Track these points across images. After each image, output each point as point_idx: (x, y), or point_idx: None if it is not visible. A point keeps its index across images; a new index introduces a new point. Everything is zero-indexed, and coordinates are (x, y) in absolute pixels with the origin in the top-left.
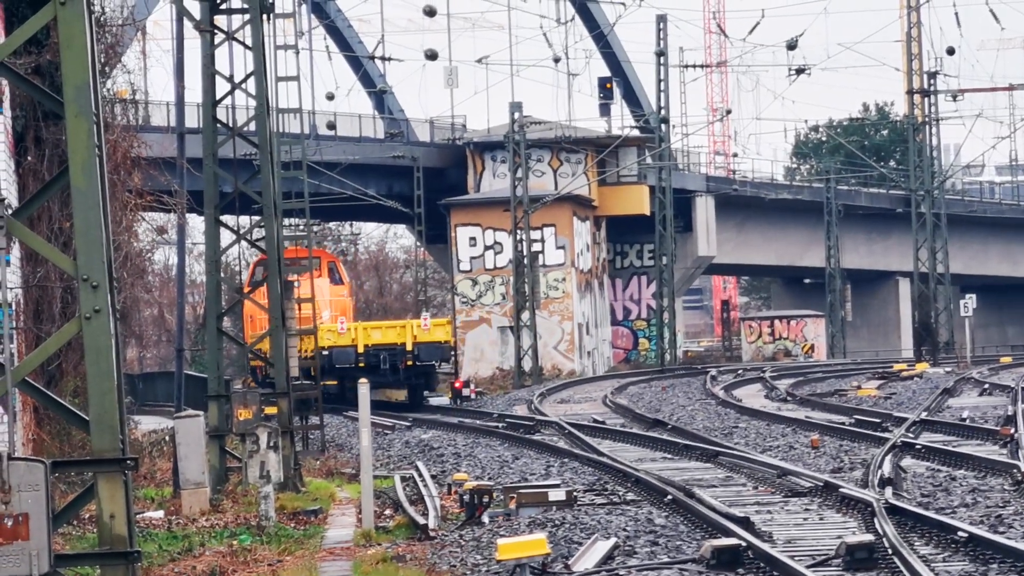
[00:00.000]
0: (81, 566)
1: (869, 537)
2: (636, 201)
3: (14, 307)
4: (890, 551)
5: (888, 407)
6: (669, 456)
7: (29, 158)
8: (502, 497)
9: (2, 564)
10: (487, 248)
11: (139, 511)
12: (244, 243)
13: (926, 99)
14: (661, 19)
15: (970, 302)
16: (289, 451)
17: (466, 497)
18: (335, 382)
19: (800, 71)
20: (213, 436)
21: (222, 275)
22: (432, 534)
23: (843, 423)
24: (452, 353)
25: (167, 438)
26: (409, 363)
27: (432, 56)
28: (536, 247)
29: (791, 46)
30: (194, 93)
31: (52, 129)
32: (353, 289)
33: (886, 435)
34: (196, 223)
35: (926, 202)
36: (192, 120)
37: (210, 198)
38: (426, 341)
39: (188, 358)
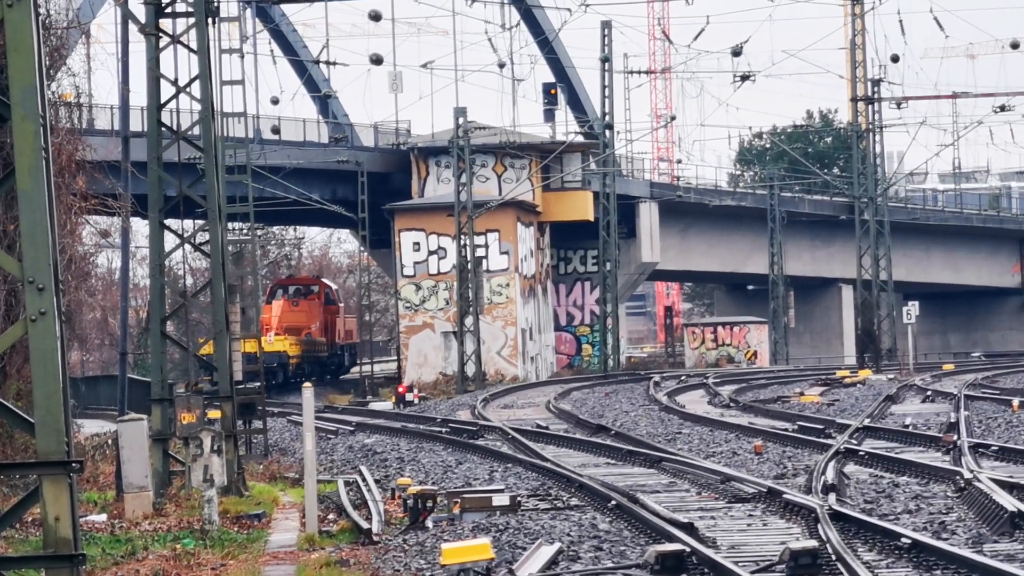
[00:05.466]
0: (25, 568)
1: (813, 543)
2: (580, 207)
3: None
4: (833, 557)
5: (831, 414)
6: (613, 462)
7: None
8: (446, 502)
9: None
10: (431, 253)
11: (82, 515)
12: (188, 247)
13: (870, 106)
14: (606, 25)
15: (913, 309)
16: (232, 455)
17: (410, 502)
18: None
19: (745, 78)
20: (156, 440)
21: (166, 279)
22: (376, 539)
23: (786, 429)
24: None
25: (110, 442)
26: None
27: (377, 61)
28: (480, 252)
29: (736, 53)
30: (139, 96)
31: None
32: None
33: (829, 441)
34: (140, 227)
35: (869, 209)
36: (137, 124)
37: (154, 202)
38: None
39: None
